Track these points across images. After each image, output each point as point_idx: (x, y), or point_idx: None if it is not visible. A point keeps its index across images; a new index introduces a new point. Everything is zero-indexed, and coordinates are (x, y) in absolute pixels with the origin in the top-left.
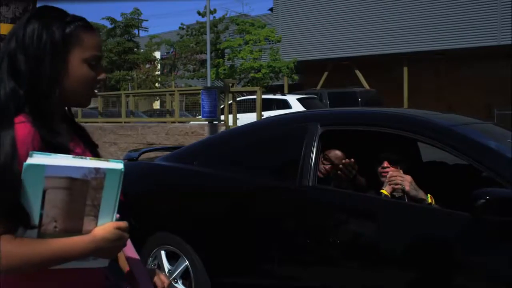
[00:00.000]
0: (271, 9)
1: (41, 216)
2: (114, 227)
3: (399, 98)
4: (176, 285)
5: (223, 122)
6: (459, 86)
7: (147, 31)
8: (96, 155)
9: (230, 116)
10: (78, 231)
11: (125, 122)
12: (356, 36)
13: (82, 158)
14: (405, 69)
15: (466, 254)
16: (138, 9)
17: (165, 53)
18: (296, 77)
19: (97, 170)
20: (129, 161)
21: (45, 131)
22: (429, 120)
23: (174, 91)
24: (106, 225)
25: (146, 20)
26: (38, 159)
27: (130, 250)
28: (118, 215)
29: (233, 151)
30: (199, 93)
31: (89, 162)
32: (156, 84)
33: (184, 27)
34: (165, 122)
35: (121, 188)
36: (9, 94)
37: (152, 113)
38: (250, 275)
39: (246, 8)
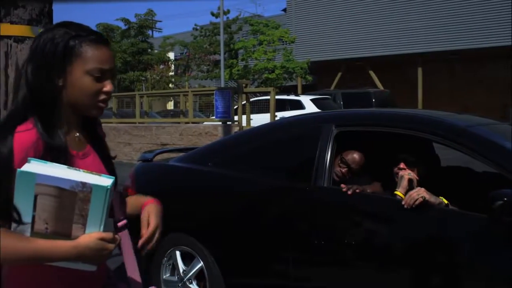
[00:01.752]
0: (284, 10)
1: (33, 217)
2: (97, 237)
3: (413, 98)
4: (190, 285)
5: (236, 123)
6: (473, 86)
7: (161, 32)
8: (108, 165)
9: (244, 117)
10: (67, 236)
11: (139, 123)
12: (370, 36)
13: (76, 170)
14: (419, 70)
15: (483, 255)
16: (152, 10)
17: (179, 54)
18: (309, 77)
19: (83, 184)
20: (144, 162)
21: (49, 138)
22: (444, 120)
23: (187, 91)
24: (91, 234)
25: (160, 21)
26: (32, 166)
27: (133, 271)
28: (125, 221)
29: (248, 152)
30: (212, 94)
31: (80, 175)
32: (170, 85)
33: (198, 27)
34: (178, 123)
35: (109, 202)
36: (21, 100)
37: (166, 113)
38: (264, 277)
39: (260, 8)
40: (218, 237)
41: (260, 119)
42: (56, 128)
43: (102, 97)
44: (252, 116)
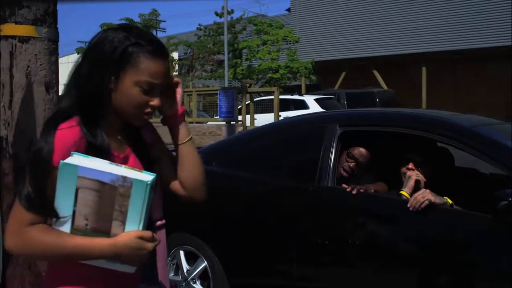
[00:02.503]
0: (288, 10)
1: (74, 212)
2: (136, 235)
3: (417, 98)
4: (194, 285)
5: (240, 123)
6: (478, 86)
7: (165, 31)
8: (149, 170)
9: (248, 117)
10: (107, 233)
11: None
12: (373, 36)
13: (117, 165)
14: (423, 69)
15: (487, 255)
16: (156, 10)
17: (183, 54)
18: (313, 77)
19: (124, 178)
20: None
21: (92, 137)
22: (448, 120)
23: (191, 91)
24: (129, 232)
25: (164, 21)
26: (75, 159)
27: (164, 275)
28: (163, 221)
29: (252, 152)
30: (216, 94)
31: (121, 170)
32: None
33: (202, 27)
34: None
35: (149, 199)
36: (68, 97)
37: None
38: (268, 276)
39: (264, 8)
40: (222, 237)
41: (264, 119)
42: (100, 129)
43: (147, 110)
44: (256, 116)
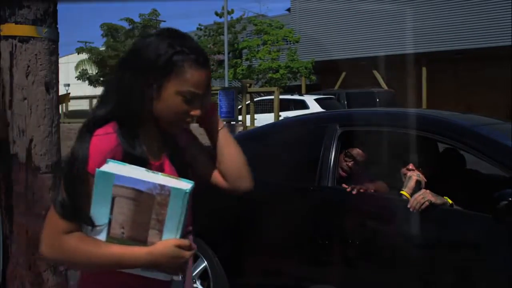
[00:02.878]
0: (288, 9)
1: (110, 220)
2: (174, 244)
3: (417, 98)
4: (194, 285)
5: (240, 123)
6: (478, 86)
7: None
8: (184, 175)
9: (248, 117)
10: (143, 242)
11: None
12: (373, 36)
13: (154, 173)
14: (424, 69)
15: (488, 255)
16: (156, 10)
17: None
18: (313, 77)
19: (162, 187)
20: None
21: (129, 146)
22: (449, 120)
23: None
24: (167, 240)
25: (164, 21)
26: (111, 167)
27: (189, 284)
28: (190, 228)
29: (252, 151)
30: (216, 94)
31: (158, 178)
32: None
33: (202, 27)
34: None
35: (187, 207)
36: (106, 103)
37: None
38: (268, 276)
39: (264, 8)
40: (222, 237)
41: (264, 119)
42: (137, 137)
43: (187, 119)
44: (256, 116)
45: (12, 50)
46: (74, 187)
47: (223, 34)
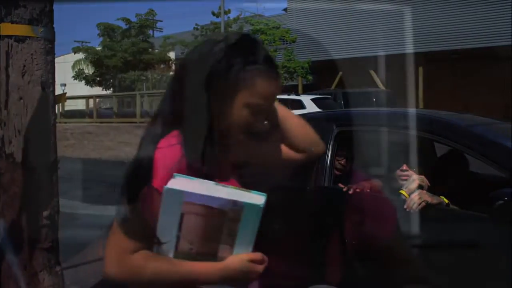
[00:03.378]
0: (285, 9)
1: (178, 237)
2: (248, 259)
3: (414, 98)
4: None
5: None
6: (475, 86)
7: (162, 31)
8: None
9: None
10: (213, 256)
11: (140, 122)
12: (370, 36)
13: (224, 186)
14: (420, 69)
15: (482, 255)
16: (152, 10)
17: (180, 54)
18: (310, 77)
19: (234, 202)
20: None
21: (193, 157)
22: (446, 120)
23: None
24: (240, 255)
25: (161, 21)
26: (179, 182)
27: None
28: None
29: None
30: None
31: (229, 193)
32: None
33: (199, 27)
34: None
35: (259, 221)
36: (168, 112)
37: None
38: (263, 277)
39: (261, 8)
40: None
41: None
42: (201, 149)
43: (253, 131)
44: None
45: (8, 49)
46: (139, 203)
47: None
